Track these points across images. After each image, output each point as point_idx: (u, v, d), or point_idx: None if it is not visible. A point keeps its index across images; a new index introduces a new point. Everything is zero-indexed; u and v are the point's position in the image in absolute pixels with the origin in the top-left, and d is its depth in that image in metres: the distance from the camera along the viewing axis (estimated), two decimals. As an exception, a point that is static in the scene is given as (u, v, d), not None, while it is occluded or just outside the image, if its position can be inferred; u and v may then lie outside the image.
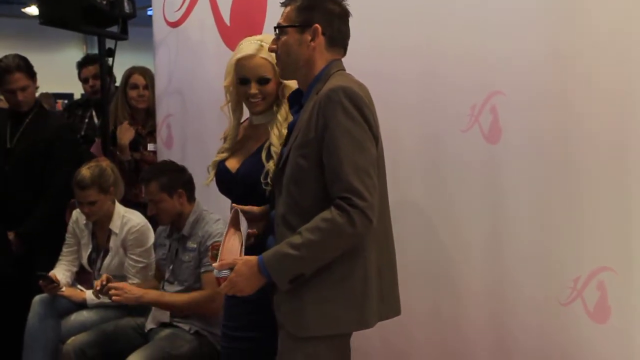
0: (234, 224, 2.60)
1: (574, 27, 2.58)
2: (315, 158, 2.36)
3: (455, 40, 2.94)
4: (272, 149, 2.78)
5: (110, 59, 4.91)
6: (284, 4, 2.55)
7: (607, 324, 2.54)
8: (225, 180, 2.94)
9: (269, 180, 2.74)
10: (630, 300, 2.49)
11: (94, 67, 5.34)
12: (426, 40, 3.05)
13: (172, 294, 3.61)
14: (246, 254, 2.47)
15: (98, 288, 3.58)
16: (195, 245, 3.59)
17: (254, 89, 2.82)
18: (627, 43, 2.45)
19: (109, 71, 5.00)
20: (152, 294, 3.59)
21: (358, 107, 2.33)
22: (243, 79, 2.84)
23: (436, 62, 3.02)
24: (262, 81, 2.81)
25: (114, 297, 3.51)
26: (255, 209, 2.68)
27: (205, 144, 4.26)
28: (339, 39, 2.52)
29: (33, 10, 14.14)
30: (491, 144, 2.87)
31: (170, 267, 3.69)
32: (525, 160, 2.75)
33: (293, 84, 2.76)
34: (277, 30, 2.52)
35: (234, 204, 2.64)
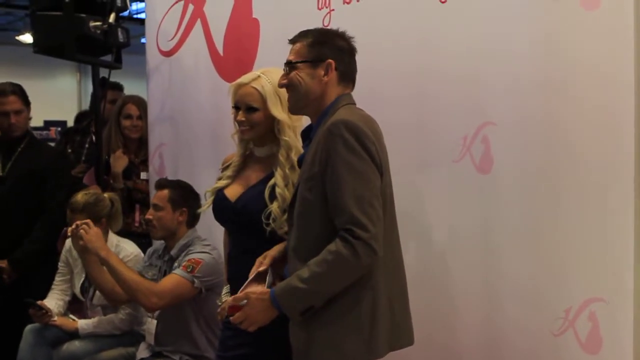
0: (260, 278, 2.61)
1: (563, 60, 2.60)
2: (320, 191, 2.39)
3: (447, 72, 2.97)
4: (277, 190, 2.79)
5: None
6: (292, 41, 2.58)
7: (599, 354, 2.54)
8: (223, 209, 2.93)
9: (270, 221, 2.76)
10: (622, 331, 2.48)
11: (113, 92, 5.37)
12: (418, 72, 3.08)
13: (129, 269, 3.56)
14: None
15: (74, 227, 3.54)
16: (177, 264, 3.60)
17: (240, 116, 2.85)
18: (613, 74, 2.47)
19: (104, 83, 5.04)
20: (112, 257, 3.51)
21: (359, 139, 2.35)
22: (235, 105, 2.88)
23: (428, 92, 3.05)
24: (249, 110, 2.84)
25: (81, 230, 3.47)
26: (276, 253, 2.68)
27: (197, 173, 4.27)
28: (349, 74, 2.57)
29: (27, 38, 14.18)
30: (483, 174, 2.88)
31: None
32: (516, 190, 2.76)
33: (287, 121, 2.79)
34: (286, 66, 2.55)
35: (260, 269, 2.61)
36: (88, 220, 3.53)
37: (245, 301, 2.42)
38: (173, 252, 3.66)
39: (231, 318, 2.46)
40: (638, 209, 2.46)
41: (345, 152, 2.34)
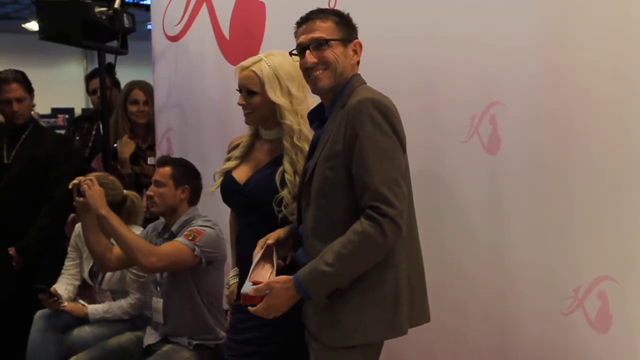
0: (267, 257, 2.61)
1: (570, 39, 2.58)
2: (344, 169, 2.40)
3: (454, 51, 2.95)
4: (286, 176, 2.79)
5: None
6: (307, 19, 2.53)
7: (608, 333, 2.54)
8: (231, 191, 2.94)
9: (282, 207, 2.76)
10: (632, 310, 2.48)
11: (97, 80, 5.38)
12: (425, 51, 3.06)
13: (129, 229, 3.51)
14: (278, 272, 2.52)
15: (76, 181, 3.46)
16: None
17: (240, 99, 2.86)
18: (621, 54, 2.46)
19: (115, 82, 5.04)
20: (113, 216, 3.45)
21: (386, 118, 2.37)
22: (238, 88, 2.88)
23: (436, 73, 3.03)
24: (249, 93, 2.84)
25: (84, 185, 3.41)
26: (281, 234, 2.68)
27: (205, 157, 4.27)
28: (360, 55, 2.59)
29: (33, 25, 14.19)
30: (491, 154, 2.87)
31: None
32: (524, 169, 2.75)
33: (287, 105, 2.79)
34: (315, 44, 2.49)
35: (268, 242, 2.62)
36: (92, 177, 3.50)
37: (268, 291, 2.40)
38: (174, 228, 3.67)
39: (252, 309, 2.42)
40: (647, 187, 2.45)
41: (373, 130, 2.35)
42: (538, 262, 2.72)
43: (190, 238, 3.47)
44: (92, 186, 3.43)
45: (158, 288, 3.72)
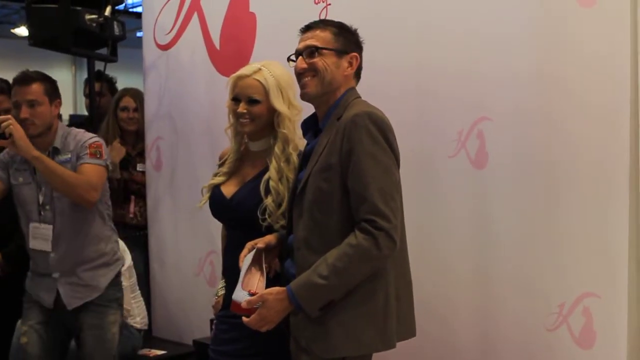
0: (256, 261, 2.60)
1: (560, 56, 2.61)
2: (338, 181, 2.40)
3: (442, 67, 2.97)
4: (271, 183, 2.78)
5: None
6: (308, 28, 2.56)
7: (592, 349, 2.55)
8: (218, 205, 2.93)
9: (266, 216, 2.76)
10: (615, 326, 2.50)
11: (100, 84, 5.37)
12: (414, 68, 3.09)
13: (62, 167, 3.32)
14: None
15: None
16: (68, 156, 3.42)
17: (241, 108, 2.83)
18: (611, 70, 2.50)
19: (112, 89, 5.03)
20: (44, 156, 3.23)
21: (383, 132, 2.38)
22: (235, 97, 2.86)
23: (424, 87, 3.06)
24: (251, 102, 2.82)
25: (11, 126, 3.13)
26: (272, 240, 2.68)
27: (195, 167, 4.27)
28: (360, 70, 2.59)
29: (23, 31, 14.19)
30: (478, 169, 2.89)
31: (42, 189, 3.48)
32: (511, 186, 2.77)
33: (288, 114, 2.79)
34: (309, 50, 2.50)
35: (259, 246, 2.63)
36: (9, 116, 3.21)
37: (261, 303, 2.40)
38: (57, 144, 3.45)
39: (245, 320, 2.41)
40: (633, 205, 2.48)
41: (370, 144, 2.35)
42: (523, 278, 2.74)
43: (98, 156, 3.38)
44: (17, 127, 3.17)
45: (42, 213, 3.51)
